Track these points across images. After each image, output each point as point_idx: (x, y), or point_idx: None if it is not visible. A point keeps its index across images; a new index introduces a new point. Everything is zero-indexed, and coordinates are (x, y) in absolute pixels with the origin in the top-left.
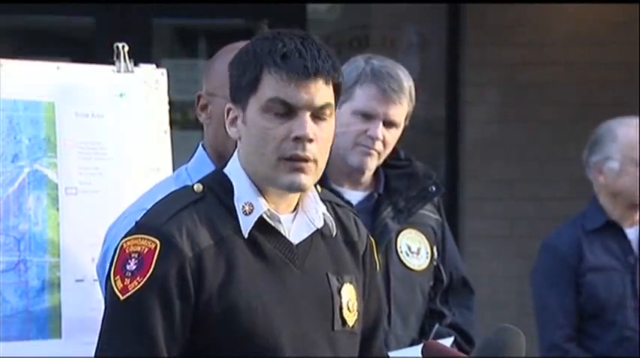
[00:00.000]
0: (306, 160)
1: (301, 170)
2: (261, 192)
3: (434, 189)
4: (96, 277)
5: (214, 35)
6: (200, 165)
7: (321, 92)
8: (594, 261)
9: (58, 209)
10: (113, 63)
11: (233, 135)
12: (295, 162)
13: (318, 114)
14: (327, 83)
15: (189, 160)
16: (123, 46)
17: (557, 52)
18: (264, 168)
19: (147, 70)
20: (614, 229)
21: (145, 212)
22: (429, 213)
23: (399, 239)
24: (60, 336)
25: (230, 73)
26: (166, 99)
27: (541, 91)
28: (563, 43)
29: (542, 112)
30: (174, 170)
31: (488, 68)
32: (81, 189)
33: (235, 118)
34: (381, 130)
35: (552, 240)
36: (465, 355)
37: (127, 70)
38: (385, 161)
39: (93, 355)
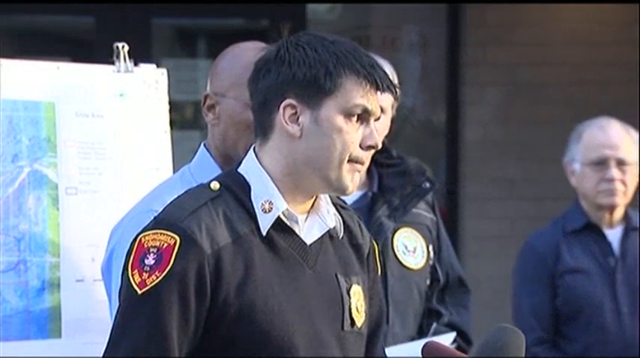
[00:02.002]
0: (364, 165)
1: (358, 173)
2: (281, 192)
3: (428, 185)
4: (96, 277)
5: (214, 35)
6: (203, 165)
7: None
8: (573, 262)
9: (58, 209)
10: (113, 63)
11: (294, 132)
12: (359, 165)
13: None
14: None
15: (190, 160)
16: (123, 46)
17: (557, 52)
18: (331, 168)
19: (147, 70)
20: (593, 230)
21: (163, 208)
22: (424, 212)
23: (395, 238)
24: (60, 336)
25: (287, 70)
26: (166, 99)
27: (541, 91)
28: (563, 43)
29: (542, 112)
30: (174, 170)
31: (489, 68)
32: (81, 189)
33: (295, 115)
34: None
35: (532, 240)
36: (464, 355)
37: (127, 70)
38: (378, 160)
39: (94, 354)
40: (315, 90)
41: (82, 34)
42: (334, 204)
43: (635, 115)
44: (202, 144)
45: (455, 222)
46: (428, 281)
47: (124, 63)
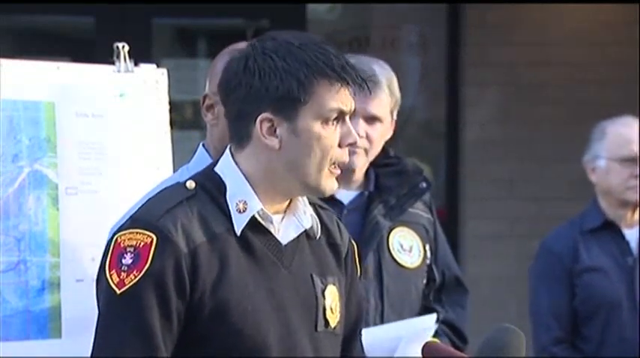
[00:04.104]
0: (344, 165)
1: (336, 176)
2: (257, 193)
3: (424, 185)
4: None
5: (214, 35)
6: (201, 165)
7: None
8: (590, 261)
9: (58, 209)
10: (113, 63)
11: (273, 145)
12: (339, 168)
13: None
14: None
15: (189, 160)
16: (123, 46)
17: (557, 52)
18: (311, 175)
19: (147, 70)
20: (612, 230)
21: (138, 207)
22: (420, 211)
23: (390, 237)
24: (60, 336)
25: (259, 83)
26: (166, 99)
27: (541, 91)
28: (563, 43)
29: (542, 112)
30: (174, 170)
31: (488, 68)
32: (81, 189)
33: (272, 128)
34: (362, 127)
35: (549, 241)
36: (464, 355)
37: (127, 70)
38: (375, 160)
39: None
40: (289, 102)
41: (82, 34)
42: (313, 204)
43: (635, 115)
44: (201, 145)
45: (455, 222)
46: (424, 281)
47: (124, 63)
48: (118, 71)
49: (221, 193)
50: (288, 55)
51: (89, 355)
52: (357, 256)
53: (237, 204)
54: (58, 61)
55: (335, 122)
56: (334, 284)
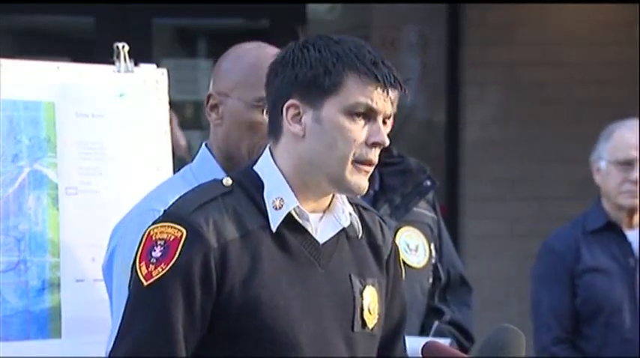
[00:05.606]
0: (373, 165)
1: (367, 173)
2: (294, 190)
3: (428, 183)
4: (96, 277)
5: (214, 35)
6: (204, 164)
7: (395, 100)
8: (592, 262)
9: (58, 209)
10: (113, 63)
11: (297, 132)
12: (366, 166)
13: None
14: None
15: (192, 160)
16: (123, 46)
17: (557, 52)
18: (334, 168)
19: (147, 70)
20: (614, 230)
21: (173, 201)
22: (425, 210)
23: (397, 237)
24: (60, 336)
25: (291, 71)
26: (166, 99)
27: (541, 91)
28: (563, 43)
29: (542, 112)
30: (174, 170)
31: (489, 68)
32: (81, 189)
33: (298, 115)
34: None
35: (551, 240)
36: (465, 355)
37: (127, 70)
38: (378, 159)
39: (94, 354)
40: (315, 89)
41: (82, 34)
42: (356, 205)
43: (635, 115)
44: (204, 144)
45: (455, 222)
46: (430, 280)
47: (124, 63)
48: (118, 71)
49: (258, 191)
50: (323, 47)
51: (89, 355)
52: (399, 258)
53: (273, 201)
54: (58, 61)
55: (364, 119)
56: (374, 286)
